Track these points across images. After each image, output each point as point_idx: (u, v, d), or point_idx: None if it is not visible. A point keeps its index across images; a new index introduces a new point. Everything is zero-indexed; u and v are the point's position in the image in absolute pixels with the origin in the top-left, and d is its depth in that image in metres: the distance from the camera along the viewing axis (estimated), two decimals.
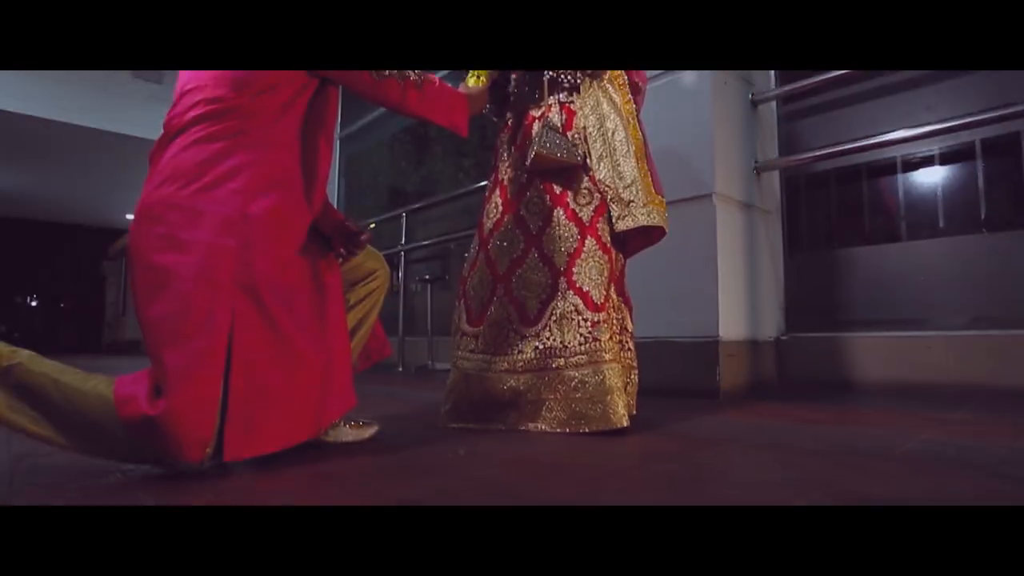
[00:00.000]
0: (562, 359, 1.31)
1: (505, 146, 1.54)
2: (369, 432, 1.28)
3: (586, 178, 1.41)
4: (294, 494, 0.87)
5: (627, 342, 1.42)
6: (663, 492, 0.83)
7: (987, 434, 1.20)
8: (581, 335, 1.30)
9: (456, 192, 3.58)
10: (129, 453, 0.96)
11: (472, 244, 1.54)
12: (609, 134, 1.41)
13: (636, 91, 1.52)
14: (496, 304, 1.42)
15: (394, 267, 3.55)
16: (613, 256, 1.39)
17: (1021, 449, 1.05)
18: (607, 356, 1.28)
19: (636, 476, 0.93)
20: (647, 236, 1.45)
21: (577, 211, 1.39)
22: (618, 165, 1.38)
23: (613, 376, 1.27)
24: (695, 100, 2.12)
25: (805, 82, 2.27)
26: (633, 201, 1.36)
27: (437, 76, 1.27)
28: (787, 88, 2.38)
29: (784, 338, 2.30)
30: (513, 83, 1.57)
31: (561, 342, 1.32)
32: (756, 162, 2.31)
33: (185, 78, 1.06)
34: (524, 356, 1.36)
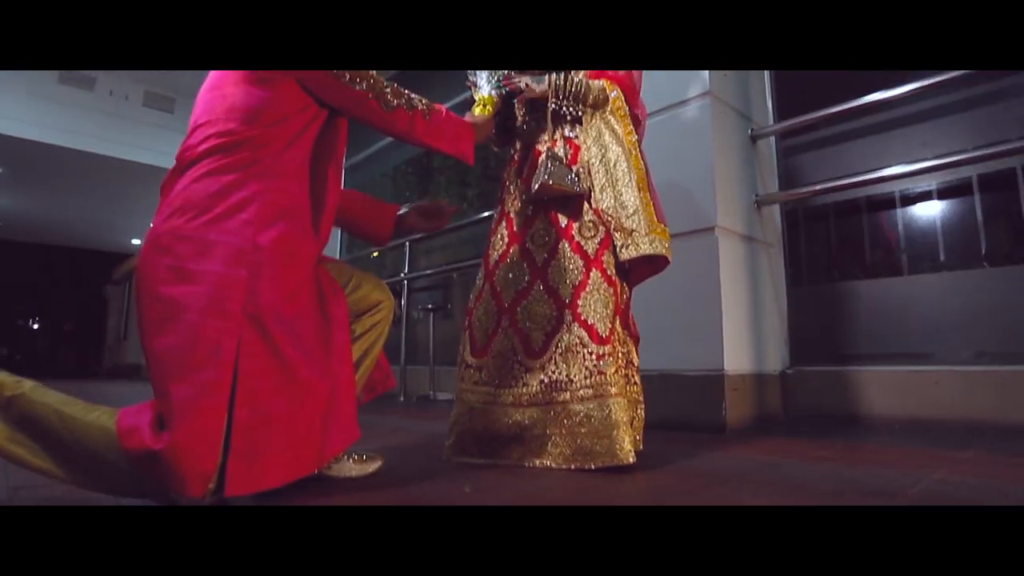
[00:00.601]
0: (567, 392, 1.30)
1: (511, 179, 1.56)
2: (373, 467, 1.27)
3: (591, 211, 1.42)
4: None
5: (633, 376, 1.42)
6: None
7: (999, 475, 1.18)
8: (586, 368, 1.30)
9: (459, 222, 3.60)
10: (129, 486, 0.95)
11: (478, 275, 1.54)
12: (611, 164, 1.43)
13: (637, 123, 1.54)
14: (501, 335, 1.42)
15: (397, 296, 3.55)
16: (618, 288, 1.39)
17: None
18: (613, 390, 1.27)
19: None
20: (651, 265, 1.46)
21: (582, 244, 1.39)
22: (620, 195, 1.40)
23: (619, 410, 1.26)
24: (696, 135, 2.15)
25: (803, 118, 2.31)
26: (636, 230, 1.37)
27: (444, 106, 1.29)
28: (785, 124, 2.42)
29: (789, 372, 2.29)
30: (519, 117, 1.60)
31: (566, 375, 1.31)
32: (757, 196, 2.34)
33: (198, 111, 1.08)
34: (529, 389, 1.35)
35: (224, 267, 0.95)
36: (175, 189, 1.01)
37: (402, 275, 3.97)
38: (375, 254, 4.83)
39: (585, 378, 1.29)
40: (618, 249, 1.38)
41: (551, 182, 1.36)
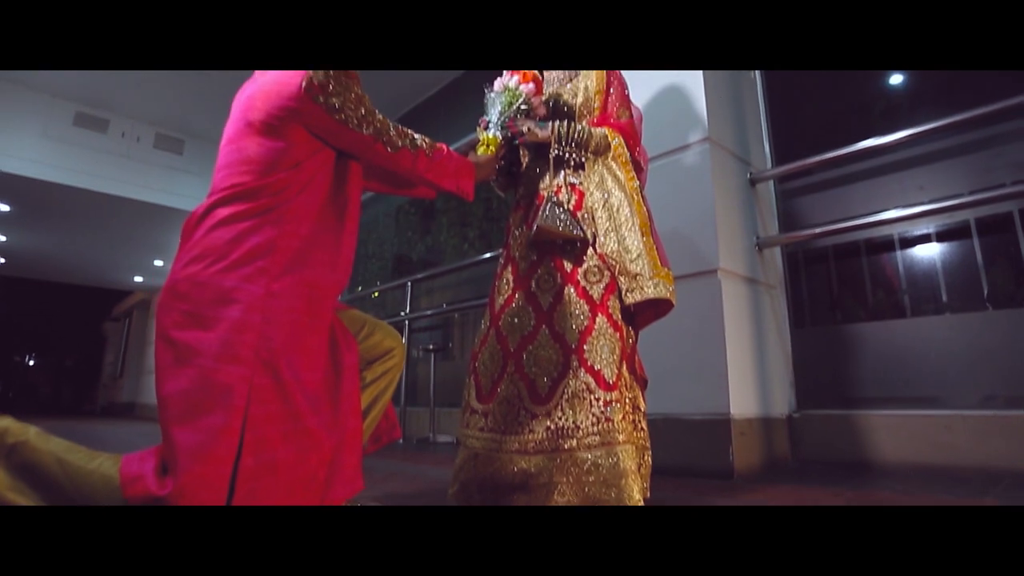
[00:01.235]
0: (574, 439, 1.29)
1: (516, 224, 1.58)
2: None
3: (595, 256, 1.43)
4: None
5: (640, 421, 1.40)
6: None
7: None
8: (594, 415, 1.29)
9: (461, 263, 3.63)
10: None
11: (483, 319, 1.55)
12: (614, 209, 1.44)
13: (639, 169, 1.56)
14: (507, 381, 1.41)
15: None
16: (624, 333, 1.39)
17: None
18: (620, 437, 1.26)
19: None
20: (655, 309, 1.46)
21: (587, 288, 1.40)
22: (624, 239, 1.41)
23: (627, 458, 1.24)
24: (696, 179, 2.18)
25: (800, 163, 2.35)
26: (640, 274, 1.37)
27: (445, 145, 1.32)
28: (783, 168, 2.46)
29: (796, 415, 2.27)
30: (523, 162, 1.63)
31: (573, 422, 1.30)
32: (757, 238, 2.36)
33: (218, 164, 1.10)
34: (535, 436, 1.33)
35: (240, 312, 0.96)
36: (194, 237, 1.03)
37: (402, 314, 3.97)
38: (375, 294, 4.85)
39: (592, 425, 1.28)
40: (623, 293, 1.38)
41: (550, 226, 1.38)
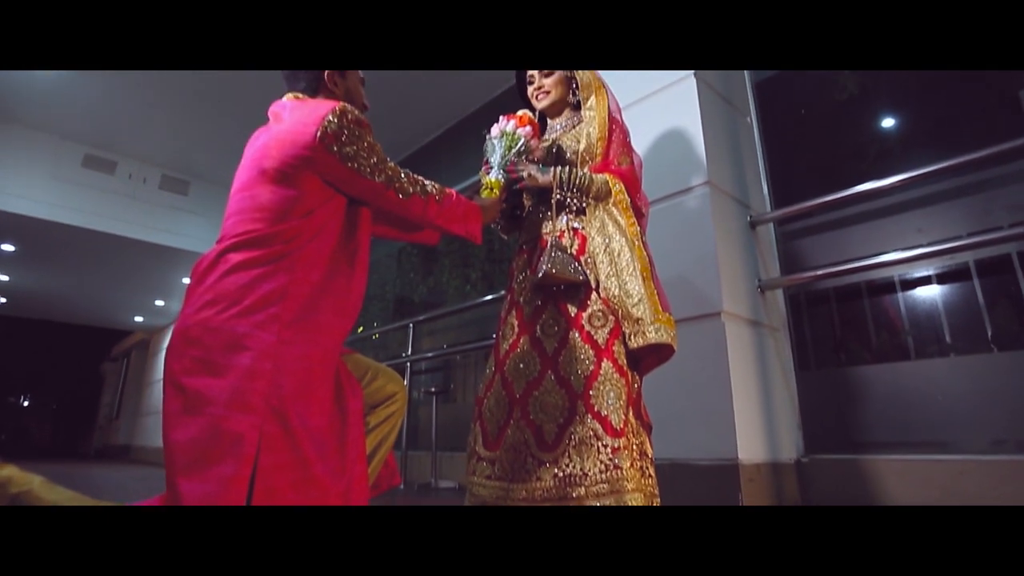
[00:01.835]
0: (582, 488, 1.27)
1: (520, 268, 1.59)
2: None
3: (599, 300, 1.43)
4: None
5: (647, 468, 1.38)
6: None
7: None
8: (601, 462, 1.27)
9: (463, 305, 3.63)
10: None
11: (488, 364, 1.54)
12: (615, 254, 1.45)
13: (639, 215, 1.58)
14: (513, 427, 1.39)
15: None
16: (630, 379, 1.38)
17: None
18: (630, 485, 1.24)
19: None
20: (658, 354, 1.45)
21: (592, 333, 1.40)
22: (625, 284, 1.42)
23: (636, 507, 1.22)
24: (697, 222, 2.21)
25: (798, 206, 2.38)
26: (641, 318, 1.38)
27: (454, 190, 1.35)
28: (782, 211, 2.49)
29: (805, 460, 2.23)
30: (526, 206, 1.65)
31: (581, 469, 1.28)
32: (759, 280, 2.37)
33: (231, 210, 1.12)
34: (543, 484, 1.31)
35: (251, 360, 0.96)
36: (206, 282, 1.04)
37: (404, 356, 3.95)
38: (376, 336, 4.84)
39: (600, 473, 1.26)
40: (627, 337, 1.38)
41: (554, 271, 1.39)
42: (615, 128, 1.59)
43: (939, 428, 2.13)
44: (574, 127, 1.64)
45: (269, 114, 1.22)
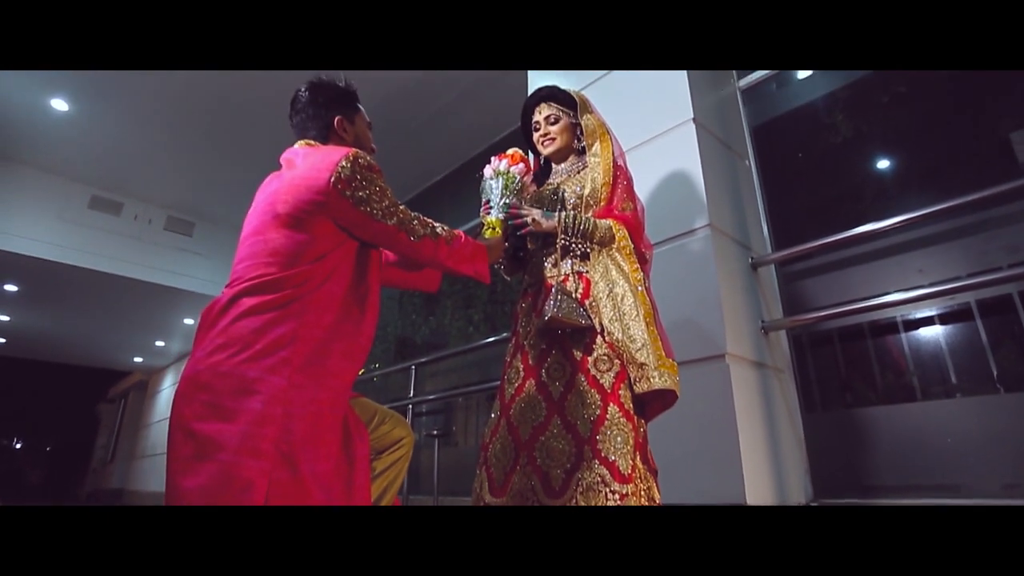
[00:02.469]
0: None
1: (525, 312, 1.59)
2: None
3: (604, 344, 1.43)
4: None
5: None
6: None
7: None
8: None
9: (465, 346, 3.62)
10: None
11: (493, 408, 1.53)
12: (618, 299, 1.46)
13: (643, 261, 1.59)
14: (519, 473, 1.37)
15: None
16: (636, 423, 1.37)
17: None
18: None
19: None
20: (662, 400, 1.45)
21: (598, 377, 1.39)
22: (628, 328, 1.42)
23: None
24: (700, 264, 2.22)
25: (799, 247, 2.40)
26: (646, 364, 1.38)
27: (462, 232, 1.37)
28: (783, 252, 2.51)
29: (814, 504, 2.19)
30: (530, 249, 1.66)
31: None
32: (763, 322, 2.37)
33: (242, 254, 1.13)
34: None
35: (261, 404, 0.95)
36: (218, 326, 1.04)
37: (406, 398, 3.91)
38: (376, 378, 4.81)
39: None
40: (633, 382, 1.38)
41: (560, 315, 1.40)
42: (619, 174, 1.61)
43: (949, 471, 2.10)
44: (578, 172, 1.67)
45: (281, 161, 1.25)
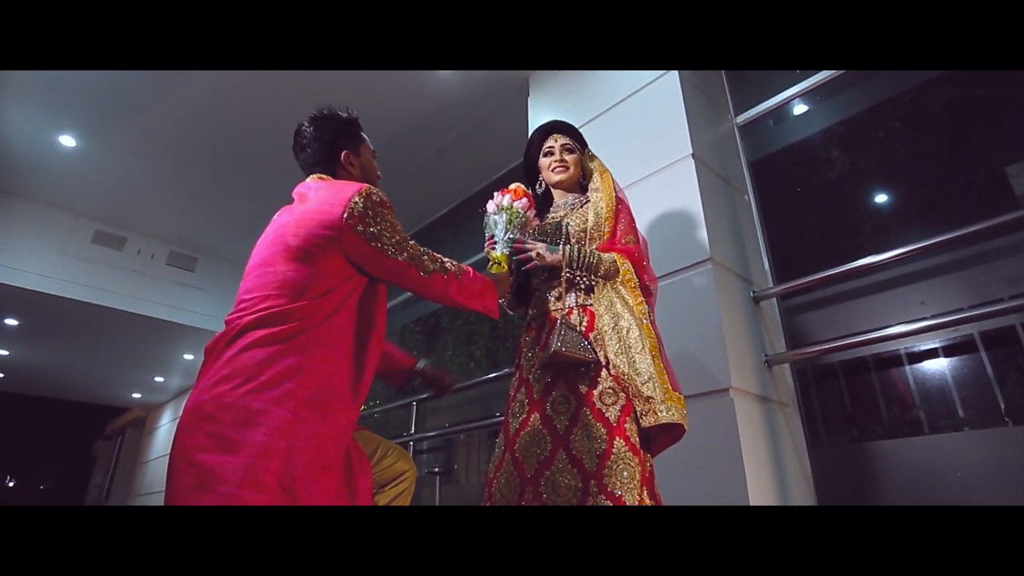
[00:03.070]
0: None
1: (529, 345, 1.59)
2: None
3: (610, 377, 1.42)
4: None
5: None
6: None
7: None
8: None
9: (467, 383, 3.59)
10: None
11: (497, 444, 1.51)
12: (624, 332, 1.46)
13: (648, 293, 1.59)
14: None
15: None
16: (643, 457, 1.35)
17: None
18: None
19: None
20: (669, 435, 1.43)
21: (603, 411, 1.38)
22: (634, 362, 1.41)
23: None
24: (702, 299, 2.23)
25: (800, 281, 2.41)
26: (652, 397, 1.36)
27: (471, 267, 1.37)
28: (785, 286, 2.51)
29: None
30: (534, 283, 1.67)
31: None
32: (766, 356, 2.36)
33: (250, 284, 1.14)
34: None
35: (264, 437, 0.95)
36: (223, 358, 1.04)
37: (406, 435, 3.87)
38: (376, 413, 4.76)
39: None
40: (639, 416, 1.37)
41: (564, 349, 1.39)
42: (621, 208, 1.64)
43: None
44: (581, 206, 1.69)
45: (294, 195, 1.27)
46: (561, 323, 1.44)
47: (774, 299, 2.59)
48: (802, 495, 2.21)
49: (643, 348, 1.42)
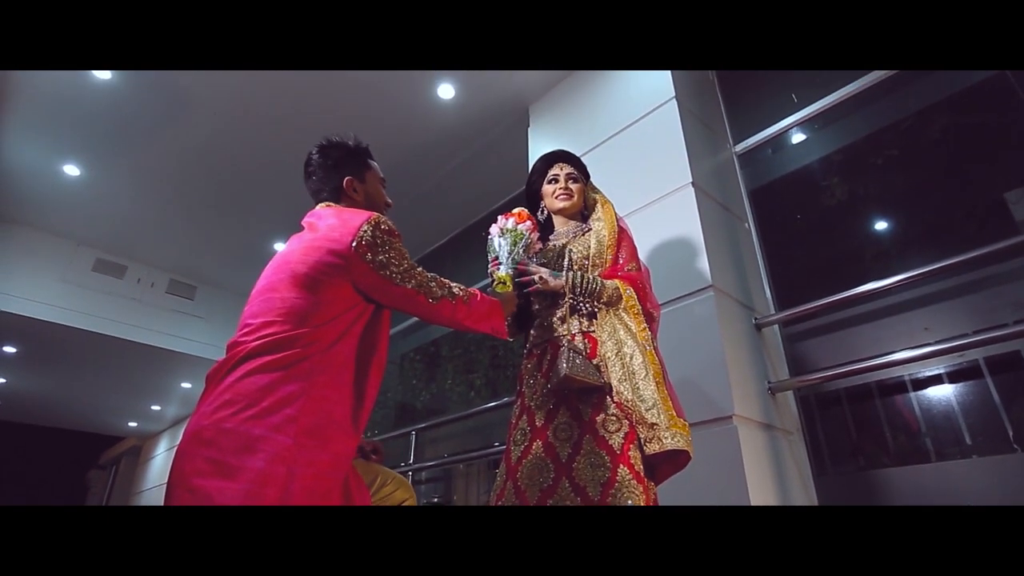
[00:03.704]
0: None
1: (530, 372, 1.57)
2: None
3: (613, 404, 1.40)
4: None
5: None
6: None
7: None
8: None
9: (467, 411, 3.56)
10: None
11: (498, 472, 1.48)
12: (627, 358, 1.44)
13: (651, 320, 1.58)
14: None
15: None
16: (647, 485, 1.32)
17: None
18: None
19: None
20: (674, 462, 1.40)
21: (607, 438, 1.36)
22: (638, 388, 1.39)
23: None
24: (704, 325, 2.22)
25: (802, 307, 2.40)
26: (657, 424, 1.34)
27: (478, 290, 1.37)
28: (786, 313, 2.51)
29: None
30: (535, 309, 1.66)
31: None
32: (769, 383, 2.34)
33: (255, 308, 1.13)
34: None
35: (264, 463, 0.93)
36: (225, 383, 1.03)
37: (404, 465, 3.81)
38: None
39: None
40: (643, 443, 1.34)
41: (573, 373, 1.37)
42: (623, 235, 1.64)
43: None
44: (583, 234, 1.69)
45: (303, 223, 1.28)
46: (568, 348, 1.43)
47: (776, 326, 2.58)
48: None
49: (647, 374, 1.40)
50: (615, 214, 1.67)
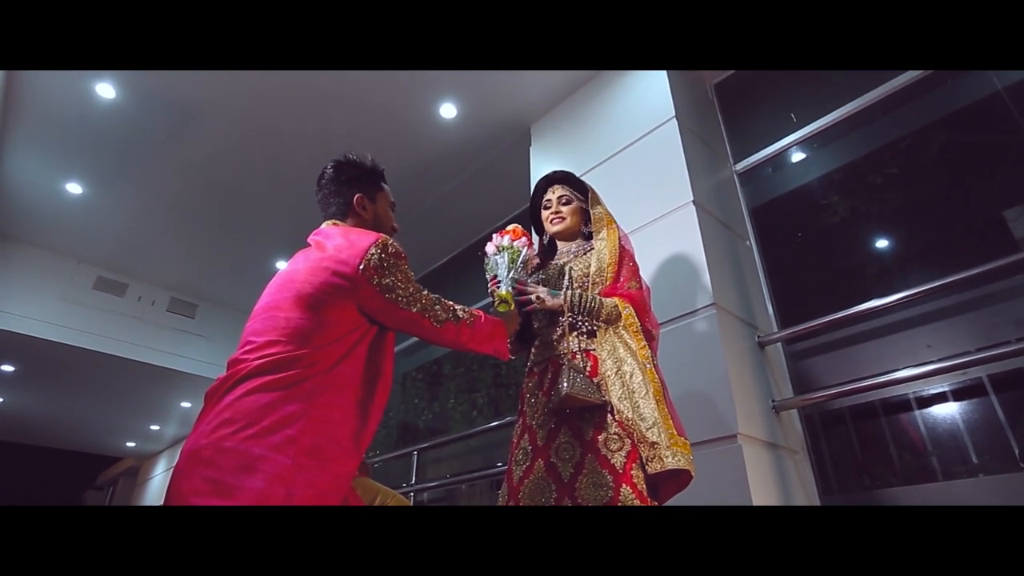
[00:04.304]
0: None
1: (531, 391, 1.56)
2: None
3: (615, 423, 1.39)
4: None
5: None
6: None
7: None
8: None
9: (469, 431, 3.53)
10: None
11: (500, 493, 1.47)
12: (627, 377, 1.44)
13: (650, 338, 1.58)
14: None
15: None
16: (650, 505, 1.31)
17: None
18: None
19: None
20: (676, 481, 1.39)
21: (609, 457, 1.35)
22: (638, 407, 1.39)
23: None
24: (707, 343, 2.21)
25: (806, 325, 2.39)
26: (657, 443, 1.33)
27: (481, 311, 1.36)
28: (789, 331, 2.50)
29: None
30: (535, 327, 1.65)
31: None
32: (773, 401, 2.32)
33: (256, 326, 1.13)
34: None
35: (262, 483, 0.92)
36: (224, 401, 1.02)
37: (406, 485, 3.77)
38: (376, 463, 4.67)
39: None
40: (645, 462, 1.33)
41: (575, 393, 1.37)
42: (625, 255, 1.64)
43: None
44: (585, 253, 1.69)
45: (310, 240, 1.28)
46: (568, 367, 1.42)
47: (779, 344, 2.57)
48: None
49: (647, 393, 1.40)
50: (619, 233, 1.68)
